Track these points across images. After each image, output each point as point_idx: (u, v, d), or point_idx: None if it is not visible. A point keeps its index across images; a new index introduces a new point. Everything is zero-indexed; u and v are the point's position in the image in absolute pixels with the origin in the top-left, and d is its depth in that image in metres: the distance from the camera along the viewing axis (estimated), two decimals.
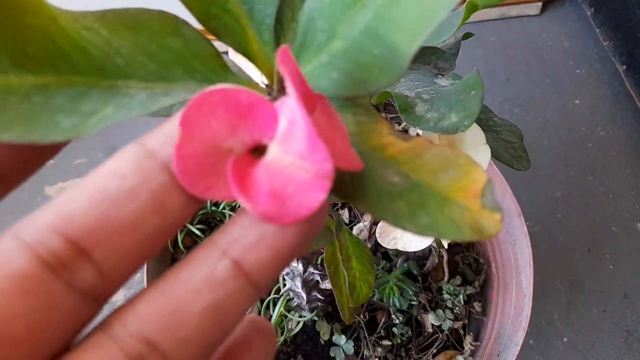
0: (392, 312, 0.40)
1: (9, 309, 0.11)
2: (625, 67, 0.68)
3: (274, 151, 0.13)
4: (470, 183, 0.15)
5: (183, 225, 0.45)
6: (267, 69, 0.18)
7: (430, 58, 0.30)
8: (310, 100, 0.13)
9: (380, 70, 0.14)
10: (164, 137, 0.13)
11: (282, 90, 0.18)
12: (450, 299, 0.41)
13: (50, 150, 0.15)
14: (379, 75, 0.15)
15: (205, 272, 0.12)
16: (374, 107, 0.30)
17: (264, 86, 0.18)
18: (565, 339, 0.59)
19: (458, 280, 0.42)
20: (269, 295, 0.40)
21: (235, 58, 0.27)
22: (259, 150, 0.13)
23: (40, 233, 0.12)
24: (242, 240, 0.12)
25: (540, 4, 0.75)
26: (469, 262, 0.44)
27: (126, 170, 0.12)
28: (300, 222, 0.12)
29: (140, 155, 0.12)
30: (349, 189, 0.15)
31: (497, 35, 0.76)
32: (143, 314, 0.11)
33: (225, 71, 0.17)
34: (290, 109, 0.12)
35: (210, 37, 0.18)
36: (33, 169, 0.15)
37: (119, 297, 0.57)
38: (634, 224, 0.65)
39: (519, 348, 0.36)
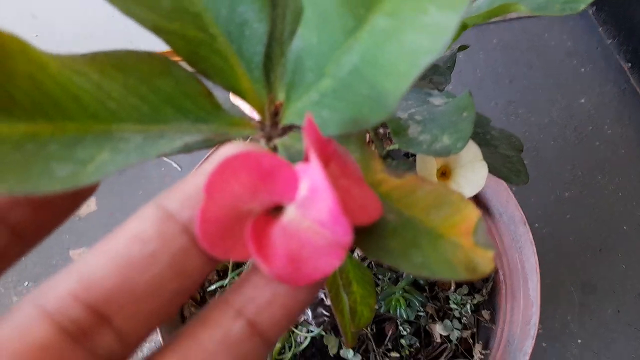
0: (399, 324, 0.40)
1: None
2: (630, 64, 0.67)
3: (292, 213, 0.13)
4: (462, 220, 0.15)
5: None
6: (258, 106, 0.18)
7: (426, 74, 0.29)
8: (325, 151, 0.13)
9: (369, 109, 0.14)
10: (183, 198, 0.13)
11: (274, 127, 0.18)
12: (457, 309, 0.41)
13: (70, 207, 0.15)
14: (368, 114, 0.15)
15: (221, 332, 0.12)
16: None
17: (256, 122, 0.18)
18: (579, 341, 0.59)
19: (465, 289, 0.42)
20: None
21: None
22: (277, 209, 0.13)
23: (61, 301, 0.12)
24: (256, 300, 0.12)
25: None
26: None
27: (147, 234, 0.12)
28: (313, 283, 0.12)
29: (161, 217, 0.12)
30: None
31: (499, 37, 0.75)
32: None
33: (217, 110, 0.17)
34: (313, 177, 0.13)
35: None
36: (53, 227, 0.15)
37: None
38: None
39: (528, 357, 0.35)
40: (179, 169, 0.69)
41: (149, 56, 0.16)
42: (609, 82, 0.71)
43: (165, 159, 0.69)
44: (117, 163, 0.14)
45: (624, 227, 0.64)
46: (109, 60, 0.16)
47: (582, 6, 0.24)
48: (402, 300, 0.39)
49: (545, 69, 0.73)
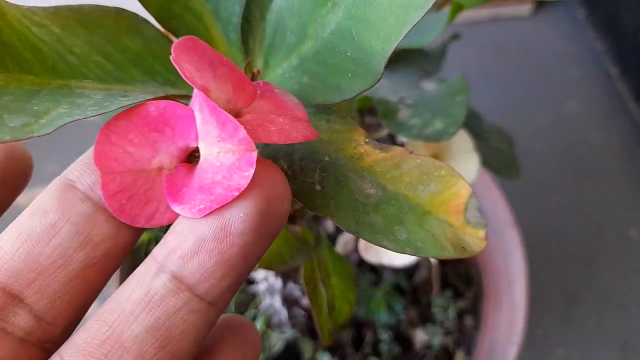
0: (378, 328, 0.39)
1: None
2: (617, 70, 0.68)
3: (202, 149, 0.12)
4: (452, 197, 0.14)
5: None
6: None
7: (416, 60, 0.29)
8: (246, 90, 0.13)
9: (354, 74, 0.14)
10: (83, 166, 0.12)
11: None
12: (440, 313, 0.40)
13: (19, 185, 0.15)
14: (352, 79, 0.14)
15: (141, 291, 0.11)
16: (356, 113, 0.30)
17: None
18: (560, 352, 0.59)
19: (448, 293, 0.41)
20: (247, 309, 0.39)
21: None
22: (195, 154, 0.13)
23: None
24: (179, 250, 0.11)
25: (530, 5, 0.75)
26: (460, 274, 0.44)
27: (46, 205, 0.12)
28: (245, 220, 0.11)
29: (61, 187, 0.12)
30: (321, 199, 0.14)
31: (489, 37, 0.76)
32: (80, 344, 0.11)
33: None
34: (195, 102, 0.12)
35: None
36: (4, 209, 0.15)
37: None
38: (629, 231, 0.65)
39: None
40: None
41: (117, 13, 0.15)
42: (597, 87, 0.73)
43: None
44: (73, 116, 0.13)
45: (608, 236, 0.65)
46: (72, 15, 0.15)
47: None
48: (382, 304, 0.39)
49: (534, 71, 0.74)
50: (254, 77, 0.17)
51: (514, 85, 0.75)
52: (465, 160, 0.25)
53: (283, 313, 0.33)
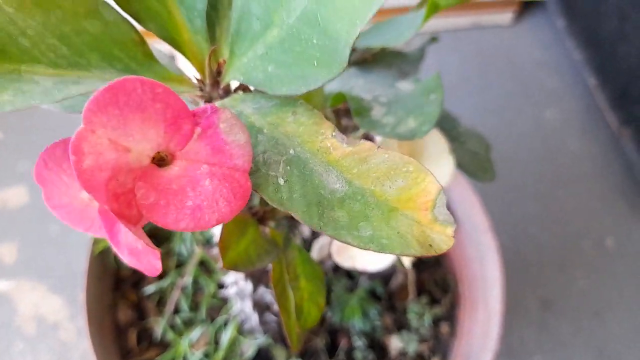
0: (353, 334, 0.38)
1: None
2: (594, 80, 0.69)
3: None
4: (420, 193, 0.14)
5: None
6: (198, 61, 0.16)
7: (394, 62, 0.29)
8: (181, 129, 0.12)
9: (319, 62, 0.13)
10: None
11: (215, 85, 0.16)
12: (416, 320, 0.40)
13: None
14: (318, 68, 0.13)
15: None
16: (332, 112, 0.29)
17: (195, 80, 0.16)
18: (536, 358, 0.59)
19: (425, 299, 0.41)
20: (218, 314, 0.38)
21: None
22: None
23: None
24: None
25: (511, 13, 0.76)
26: (436, 280, 0.43)
27: None
28: None
29: None
30: (284, 193, 0.13)
31: (471, 45, 0.76)
32: None
33: (150, 60, 0.15)
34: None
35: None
36: None
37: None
38: (604, 239, 0.65)
39: None
40: None
41: None
42: (575, 97, 0.74)
43: None
44: (17, 104, 0.12)
45: (584, 244, 0.66)
46: None
47: None
48: (357, 310, 0.38)
49: (515, 79, 0.74)
50: (219, 68, 0.16)
51: (494, 92, 0.76)
52: (440, 162, 0.24)
53: (254, 318, 0.32)
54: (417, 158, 0.25)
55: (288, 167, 0.14)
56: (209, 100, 0.16)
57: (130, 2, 0.15)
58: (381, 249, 0.13)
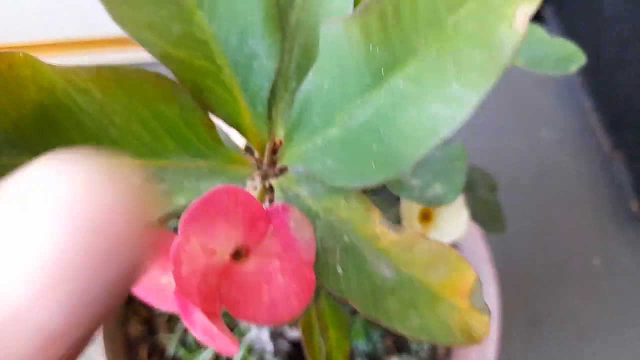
0: (356, 356, 0.40)
1: None
2: (590, 103, 0.72)
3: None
4: (460, 281, 0.16)
5: None
6: (258, 143, 0.18)
7: None
8: (257, 228, 0.14)
9: (378, 165, 0.15)
10: None
11: (272, 165, 0.18)
12: (415, 343, 0.42)
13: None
14: (376, 169, 0.15)
15: None
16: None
17: (252, 159, 0.18)
18: None
19: None
20: None
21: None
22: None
23: None
24: None
25: None
26: None
27: None
28: None
29: None
30: (343, 283, 0.15)
31: None
32: None
33: (218, 144, 0.17)
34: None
35: None
36: None
37: None
38: (592, 259, 0.68)
39: None
40: None
41: (156, 77, 0.16)
42: (570, 118, 0.76)
43: None
44: None
45: (573, 264, 0.68)
46: (114, 77, 0.15)
47: (574, 68, 0.26)
48: (361, 332, 0.40)
49: (512, 96, 0.76)
50: (275, 148, 0.18)
51: (493, 109, 0.77)
52: (455, 215, 0.26)
53: (269, 346, 0.34)
54: (433, 211, 0.27)
55: (344, 255, 0.15)
56: (264, 177, 0.18)
57: (202, 92, 0.16)
58: (431, 339, 0.14)
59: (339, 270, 0.15)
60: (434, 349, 0.43)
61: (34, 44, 0.68)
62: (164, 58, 0.15)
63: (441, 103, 0.12)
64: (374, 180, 0.15)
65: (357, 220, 0.16)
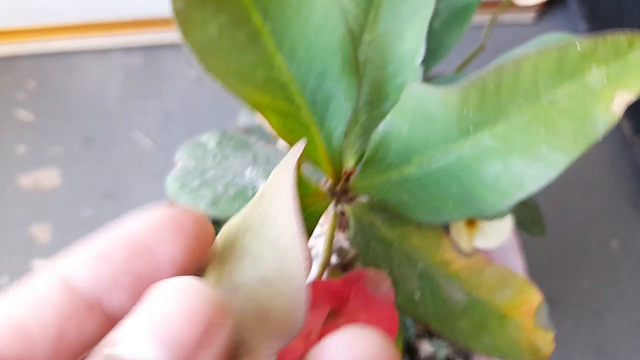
0: None
1: None
2: None
3: None
4: (524, 302, 0.17)
5: None
6: (332, 173, 0.19)
7: None
8: (343, 296, 0.16)
9: (455, 205, 0.16)
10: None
11: (345, 193, 0.19)
12: None
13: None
14: (453, 208, 0.16)
15: None
16: None
17: (326, 188, 0.19)
18: None
19: None
20: None
21: None
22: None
23: None
24: None
25: (533, 12, 0.78)
26: None
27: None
28: None
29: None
30: (421, 308, 0.17)
31: (491, 42, 0.78)
32: None
33: (301, 179, 0.18)
34: None
35: None
36: None
37: None
38: (610, 241, 0.70)
39: None
40: (155, 146, 0.69)
41: None
42: None
43: (134, 137, 0.68)
44: None
45: (591, 246, 0.70)
46: None
47: None
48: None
49: None
50: (347, 177, 0.19)
51: None
52: (500, 220, 0.28)
53: None
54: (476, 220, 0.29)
55: (419, 282, 0.17)
56: (336, 202, 0.19)
57: (286, 134, 0.18)
58: (503, 357, 0.16)
59: (417, 296, 0.17)
60: None
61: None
62: (255, 105, 0.17)
63: (528, 161, 0.14)
64: (451, 217, 0.17)
65: (429, 247, 0.18)
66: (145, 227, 0.13)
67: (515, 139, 0.14)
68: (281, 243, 0.12)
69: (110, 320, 0.13)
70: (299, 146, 0.13)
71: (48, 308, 0.12)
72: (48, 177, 0.69)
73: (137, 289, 0.13)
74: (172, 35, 0.70)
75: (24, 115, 0.73)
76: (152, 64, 0.76)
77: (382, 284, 0.16)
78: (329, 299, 0.15)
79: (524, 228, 0.29)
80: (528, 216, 0.29)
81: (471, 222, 0.27)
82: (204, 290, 0.10)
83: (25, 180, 0.68)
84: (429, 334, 0.44)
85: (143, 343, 0.10)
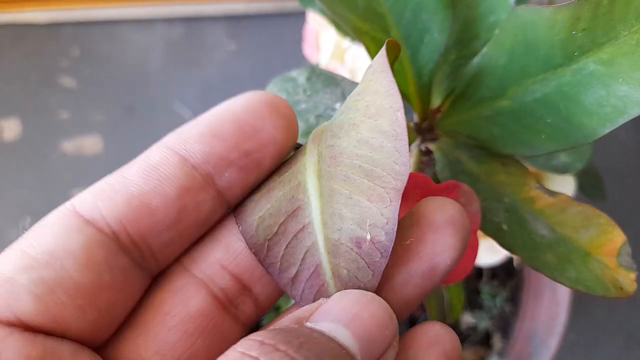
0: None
1: (193, 348, 0.13)
2: None
3: None
4: (608, 241, 0.17)
5: None
6: (419, 109, 0.19)
7: None
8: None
9: (549, 137, 0.17)
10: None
11: (431, 130, 0.20)
12: (488, 300, 0.44)
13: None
14: (546, 140, 0.17)
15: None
16: None
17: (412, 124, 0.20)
18: (571, 337, 0.64)
19: (496, 282, 0.45)
20: None
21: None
22: None
23: (212, 269, 0.14)
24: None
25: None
26: (502, 265, 0.48)
27: None
28: None
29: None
30: (508, 239, 0.17)
31: None
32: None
33: None
34: None
35: None
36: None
37: None
38: None
39: (552, 352, 0.39)
40: (194, 116, 0.70)
41: None
42: None
43: (174, 107, 0.70)
44: None
45: (625, 232, 0.69)
46: None
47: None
48: (438, 289, 0.43)
49: None
50: (433, 115, 0.20)
51: None
52: (563, 183, 0.28)
53: None
54: (541, 177, 0.29)
55: (507, 214, 0.17)
56: (422, 140, 0.20)
57: None
58: (588, 290, 0.16)
59: (504, 227, 0.17)
60: (502, 307, 0.46)
61: None
62: (355, 31, 0.17)
63: (633, 85, 0.14)
64: (543, 150, 0.17)
65: (514, 184, 0.18)
66: (249, 108, 0.13)
67: (620, 63, 0.14)
68: (373, 105, 0.13)
69: (221, 195, 0.14)
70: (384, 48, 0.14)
71: (167, 181, 0.13)
72: (90, 144, 0.70)
73: (245, 165, 0.13)
74: (213, 7, 0.71)
75: (68, 81, 0.74)
76: (192, 35, 0.77)
77: (472, 202, 0.16)
78: (423, 195, 0.16)
79: (585, 193, 0.29)
80: (589, 181, 0.29)
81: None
82: (394, 318, 0.12)
83: (68, 146, 0.70)
84: (470, 306, 0.44)
85: (342, 330, 0.11)
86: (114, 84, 0.72)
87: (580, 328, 0.64)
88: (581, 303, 0.65)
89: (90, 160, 0.68)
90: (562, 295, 0.41)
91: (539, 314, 0.43)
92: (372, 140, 0.12)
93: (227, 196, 0.14)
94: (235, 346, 0.11)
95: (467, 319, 0.44)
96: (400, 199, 0.12)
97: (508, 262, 0.49)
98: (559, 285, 0.44)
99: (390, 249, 0.12)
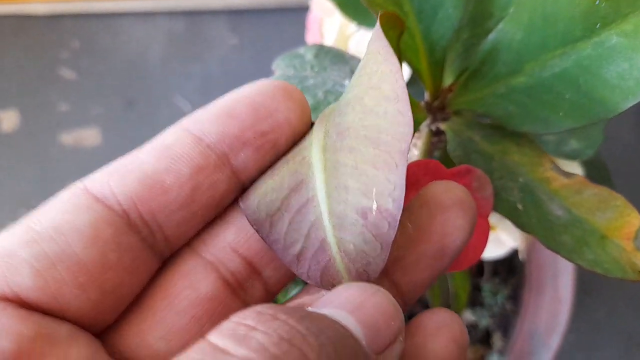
0: (433, 307, 0.42)
1: (200, 334, 0.13)
2: None
3: None
4: (624, 224, 0.17)
5: None
6: (430, 87, 0.19)
7: None
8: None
9: (567, 113, 0.16)
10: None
11: (442, 109, 0.19)
12: (489, 298, 0.44)
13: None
14: (564, 117, 0.16)
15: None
16: None
17: (423, 103, 0.19)
18: (570, 338, 0.63)
19: (497, 279, 0.45)
20: None
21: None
22: None
23: (222, 252, 0.14)
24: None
25: None
26: (504, 262, 0.47)
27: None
28: None
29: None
30: (524, 218, 0.16)
31: None
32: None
33: None
34: None
35: None
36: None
37: None
38: None
39: (553, 352, 0.39)
40: (194, 110, 0.69)
41: None
42: None
43: (175, 101, 0.69)
44: None
45: None
46: None
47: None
48: (437, 288, 0.42)
49: None
50: (445, 94, 0.19)
51: None
52: (571, 167, 0.27)
53: None
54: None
55: (522, 194, 0.17)
56: (433, 120, 0.19)
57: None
58: (605, 272, 0.16)
59: (520, 206, 0.17)
60: (503, 305, 0.45)
61: None
62: (369, 3, 0.17)
63: None
64: (560, 127, 0.16)
65: (529, 164, 0.18)
66: (263, 92, 0.13)
67: None
68: (375, 74, 0.12)
69: (236, 176, 0.13)
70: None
71: (181, 160, 0.13)
72: (89, 136, 0.70)
73: (260, 145, 0.13)
74: (215, 1, 0.71)
75: (68, 73, 0.74)
76: (194, 29, 0.76)
77: (486, 187, 0.16)
78: (433, 179, 0.15)
79: (593, 179, 0.28)
80: (597, 175, 0.29)
81: None
82: (399, 310, 0.12)
83: (67, 138, 0.69)
84: (471, 304, 0.44)
85: (346, 315, 0.11)
86: (114, 77, 0.71)
87: (581, 329, 0.64)
88: (582, 304, 0.64)
89: (89, 153, 0.67)
90: (564, 294, 0.41)
91: (540, 312, 0.43)
92: (376, 108, 0.12)
93: (242, 177, 0.14)
94: (230, 317, 0.10)
95: (468, 316, 0.44)
96: (406, 161, 0.12)
97: (510, 259, 0.49)
98: (560, 283, 0.43)
99: (398, 219, 0.12)
